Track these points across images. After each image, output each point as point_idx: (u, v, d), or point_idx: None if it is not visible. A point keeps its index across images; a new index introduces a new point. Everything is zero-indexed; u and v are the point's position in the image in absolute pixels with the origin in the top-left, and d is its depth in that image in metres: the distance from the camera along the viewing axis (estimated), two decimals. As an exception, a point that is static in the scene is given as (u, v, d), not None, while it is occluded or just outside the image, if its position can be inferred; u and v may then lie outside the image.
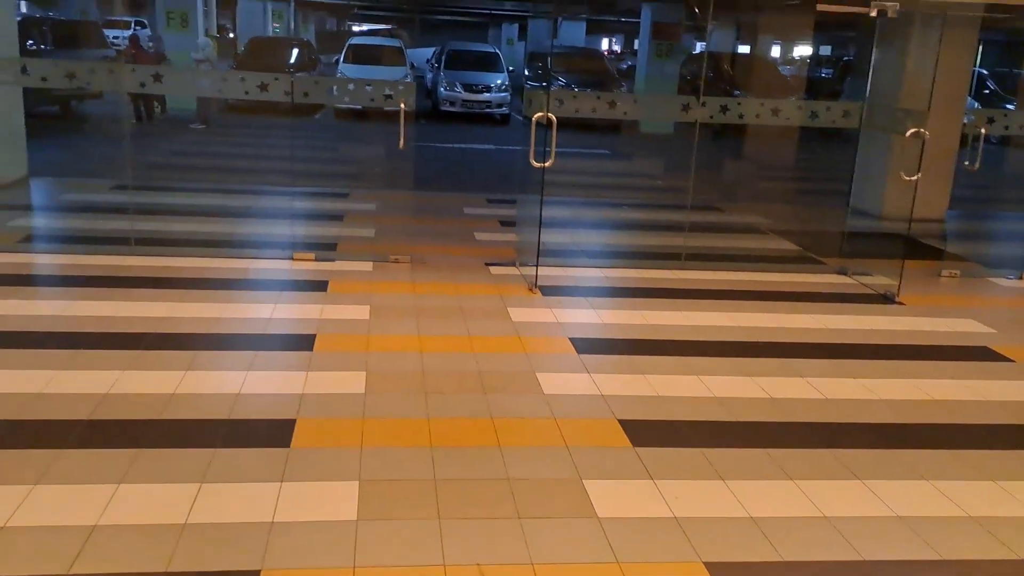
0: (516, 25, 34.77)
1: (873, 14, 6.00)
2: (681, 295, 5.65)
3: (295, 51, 17.09)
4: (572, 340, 4.67)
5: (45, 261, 5.65)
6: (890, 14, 5.95)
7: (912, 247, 6.32)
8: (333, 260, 5.96)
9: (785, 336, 4.94)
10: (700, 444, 3.51)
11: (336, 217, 7.46)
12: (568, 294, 5.56)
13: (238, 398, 3.67)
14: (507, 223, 7.64)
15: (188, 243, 6.14)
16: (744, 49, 18.66)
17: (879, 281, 6.16)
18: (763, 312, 5.37)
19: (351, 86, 5.81)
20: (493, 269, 6.00)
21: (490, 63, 17.71)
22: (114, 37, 16.58)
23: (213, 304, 4.86)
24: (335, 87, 5.68)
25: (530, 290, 5.53)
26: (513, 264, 6.15)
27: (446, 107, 16.66)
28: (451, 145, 13.56)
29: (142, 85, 5.25)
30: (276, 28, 28.48)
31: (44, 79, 5.41)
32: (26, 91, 8.74)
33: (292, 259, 5.90)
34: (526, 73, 19.87)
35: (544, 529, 2.83)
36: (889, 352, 4.78)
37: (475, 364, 4.22)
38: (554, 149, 5.47)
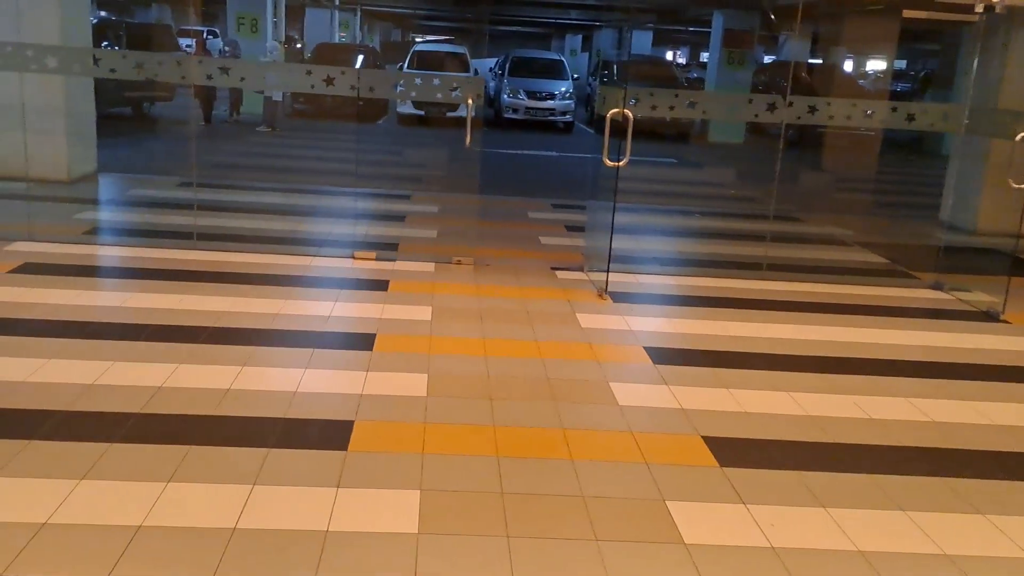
0: (580, 36, 34.60)
1: (979, 10, 5.57)
2: (764, 306, 5.28)
3: (360, 57, 17.16)
4: (647, 349, 4.35)
5: (108, 253, 5.59)
6: (998, 9, 5.51)
7: (1015, 263, 5.82)
8: (394, 260, 5.76)
9: (881, 352, 4.54)
10: (795, 466, 3.16)
11: (398, 218, 7.29)
12: (641, 301, 5.25)
13: (295, 396, 3.46)
14: (573, 228, 7.36)
15: (249, 239, 6.03)
16: (821, 59, 18.05)
17: (980, 298, 5.68)
18: (854, 326, 4.97)
19: (418, 80, 5.63)
20: (560, 274, 5.72)
21: (554, 70, 17.50)
22: (187, 45, 16.93)
23: (272, 300, 4.69)
24: (401, 81, 5.50)
25: (600, 296, 5.24)
26: (581, 269, 5.86)
27: (509, 114, 16.49)
28: (514, 151, 13.36)
29: (209, 77, 5.16)
30: (342, 37, 28.88)
31: (113, 70, 5.36)
32: (99, 92, 8.80)
33: (353, 258, 5.72)
34: (590, 81, 19.63)
35: (624, 554, 2.53)
36: (999, 373, 4.34)
37: (543, 370, 3.94)
38: (629, 147, 5.17)
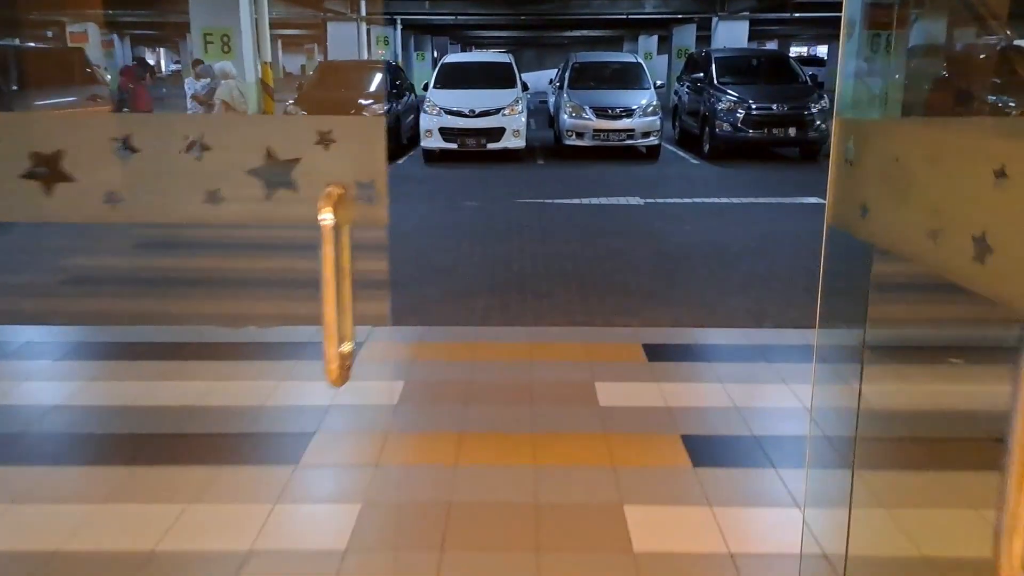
0: (655, 37, 30.27)
1: None
2: None
3: (377, 77, 13.39)
4: None
5: None
6: None
7: None
8: None
9: None
10: None
11: (291, 456, 3.25)
12: None
13: None
14: (702, 446, 3.15)
15: None
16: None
17: None
18: None
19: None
20: None
21: (630, 78, 13.29)
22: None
23: None
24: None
25: None
26: None
27: (571, 140, 12.38)
28: (575, 201, 9.23)
29: None
30: (382, 55, 25.35)
31: None
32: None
33: None
34: (676, 88, 15.36)
35: None
36: None
37: None
38: None
